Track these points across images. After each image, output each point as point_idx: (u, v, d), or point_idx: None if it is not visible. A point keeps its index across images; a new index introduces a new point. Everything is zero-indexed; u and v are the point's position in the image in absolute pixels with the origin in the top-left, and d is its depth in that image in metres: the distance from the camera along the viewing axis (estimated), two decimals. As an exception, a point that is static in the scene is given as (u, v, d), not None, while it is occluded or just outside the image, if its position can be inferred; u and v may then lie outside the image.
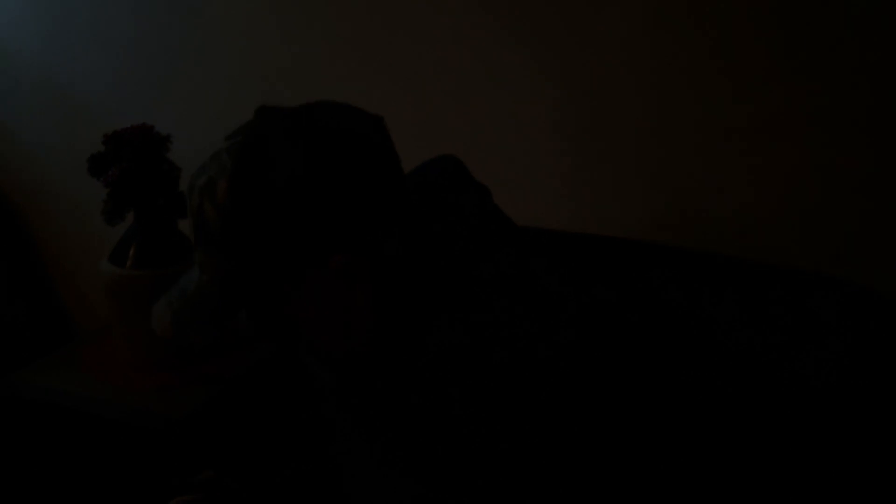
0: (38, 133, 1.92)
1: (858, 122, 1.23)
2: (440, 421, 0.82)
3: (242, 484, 1.05)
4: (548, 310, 0.81)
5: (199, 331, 0.95)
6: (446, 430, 0.81)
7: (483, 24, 1.41)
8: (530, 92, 1.42)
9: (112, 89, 1.78)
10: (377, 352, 0.88)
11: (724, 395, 0.92)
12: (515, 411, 0.78)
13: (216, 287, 0.85)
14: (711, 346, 0.96)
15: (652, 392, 0.84)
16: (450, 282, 0.83)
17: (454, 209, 0.88)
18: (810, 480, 0.90)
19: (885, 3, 1.17)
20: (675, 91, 1.32)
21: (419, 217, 0.86)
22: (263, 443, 1.36)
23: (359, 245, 0.82)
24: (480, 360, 0.79)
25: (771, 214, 1.31)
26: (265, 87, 1.61)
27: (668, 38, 1.30)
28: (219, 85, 1.67)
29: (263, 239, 0.81)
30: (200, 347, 1.47)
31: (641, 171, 1.38)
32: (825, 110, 1.24)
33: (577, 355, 0.79)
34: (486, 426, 0.79)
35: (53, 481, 1.49)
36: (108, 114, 1.75)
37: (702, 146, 1.33)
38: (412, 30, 1.47)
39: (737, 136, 1.30)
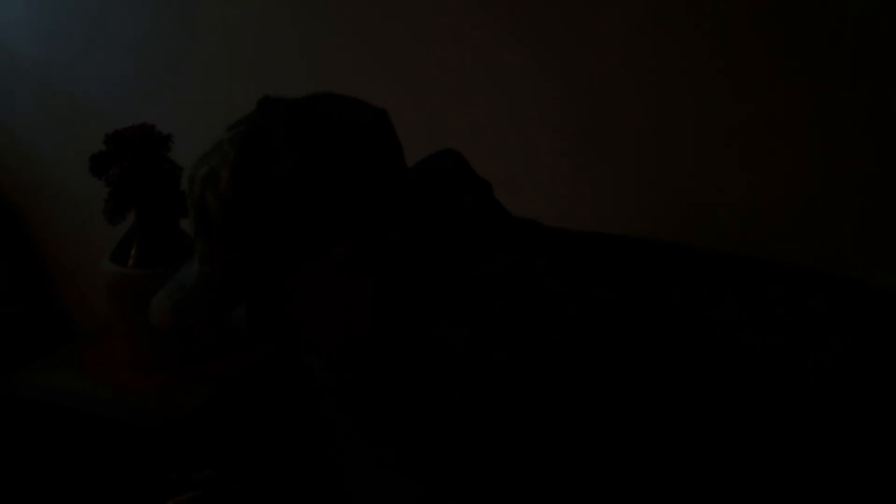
0: (38, 133, 1.92)
1: (858, 122, 1.23)
2: (440, 421, 0.82)
3: (242, 484, 1.05)
4: (548, 310, 0.81)
5: (198, 323, 0.94)
6: (446, 430, 0.81)
7: (483, 24, 1.41)
8: (530, 92, 1.42)
9: (113, 89, 1.78)
10: (377, 348, 0.88)
11: (724, 395, 0.92)
12: (515, 411, 0.78)
13: (217, 279, 0.84)
14: (711, 346, 0.96)
15: (652, 392, 0.84)
16: (450, 281, 0.83)
17: (455, 208, 0.88)
18: (810, 480, 0.90)
19: (885, 3, 1.17)
20: (675, 91, 1.32)
21: (421, 214, 0.86)
22: (263, 443, 1.36)
23: (361, 236, 0.82)
24: (480, 360, 0.79)
25: (771, 214, 1.31)
26: (266, 86, 1.60)
27: (668, 38, 1.30)
28: (219, 84, 1.67)
29: (265, 229, 0.80)
30: (199, 346, 1.47)
31: (641, 171, 1.38)
32: (825, 110, 1.24)
33: (576, 355, 0.79)
34: (486, 426, 0.79)
35: (53, 481, 1.49)
36: (109, 114, 1.75)
37: (702, 146, 1.33)
38: (412, 30, 1.47)
39: (737, 135, 1.30)
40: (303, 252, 0.81)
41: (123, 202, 1.37)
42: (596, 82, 1.37)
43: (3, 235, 2.00)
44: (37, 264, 2.05)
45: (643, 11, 1.30)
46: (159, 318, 0.88)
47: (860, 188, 1.25)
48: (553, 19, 1.36)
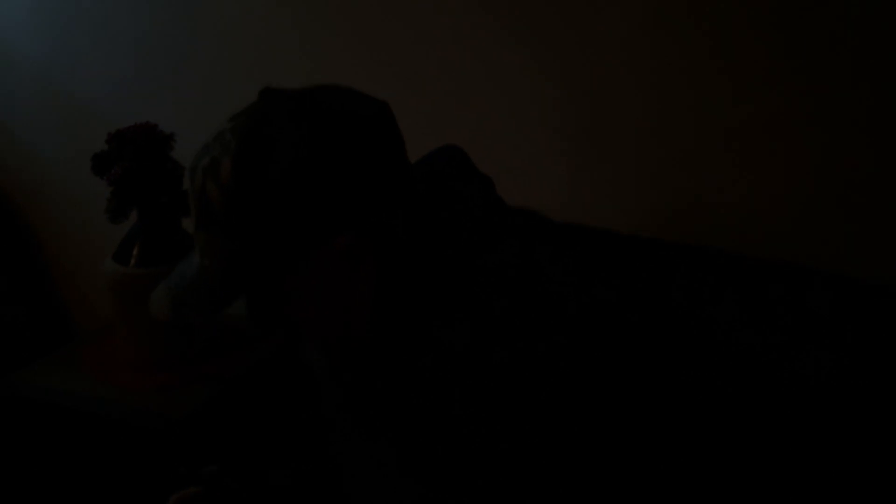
0: (39, 133, 1.92)
1: (858, 122, 1.23)
2: (440, 421, 0.82)
3: (242, 484, 1.05)
4: (548, 310, 0.81)
5: (198, 316, 0.94)
6: (446, 430, 0.81)
7: (483, 24, 1.41)
8: (530, 92, 1.42)
9: (114, 89, 1.78)
10: (377, 344, 0.88)
11: (724, 395, 0.92)
12: (515, 411, 0.78)
13: (218, 270, 0.84)
14: (711, 346, 0.96)
15: (652, 392, 0.84)
16: (453, 272, 0.83)
17: (459, 199, 0.88)
18: (810, 480, 0.90)
19: (886, 3, 1.17)
20: (675, 91, 1.32)
21: (426, 205, 0.86)
22: (263, 443, 1.36)
23: (363, 227, 0.82)
24: (480, 360, 0.79)
25: (771, 214, 1.31)
26: (268, 85, 1.61)
27: (668, 38, 1.30)
28: (221, 83, 1.67)
29: (267, 219, 0.80)
30: (199, 340, 1.47)
31: (641, 171, 1.38)
32: (825, 110, 1.24)
33: (576, 355, 0.79)
34: (486, 426, 0.79)
35: (53, 481, 1.49)
36: (110, 113, 1.75)
37: (702, 146, 1.33)
38: (412, 30, 1.47)
39: (737, 135, 1.30)
40: (304, 242, 0.81)
41: (125, 201, 1.37)
42: (596, 82, 1.37)
43: (4, 235, 2.00)
44: (37, 264, 2.05)
45: (643, 11, 1.30)
46: (159, 311, 0.88)
47: (860, 188, 1.25)
48: (553, 19, 1.36)
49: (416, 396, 0.85)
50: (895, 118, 1.21)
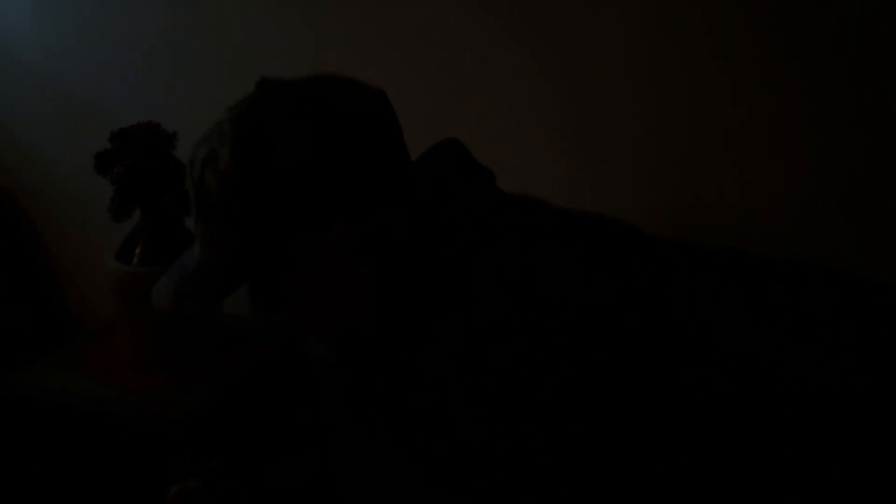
0: (40, 133, 1.92)
1: (858, 122, 1.23)
2: (440, 421, 0.82)
3: (242, 484, 1.05)
4: (548, 310, 0.81)
5: (199, 307, 0.95)
6: (446, 430, 0.81)
7: (483, 24, 1.41)
8: (530, 92, 1.42)
9: (116, 88, 1.78)
10: (379, 338, 0.88)
11: (724, 395, 0.92)
12: (515, 411, 0.78)
13: (217, 261, 0.84)
14: (711, 346, 0.96)
15: (652, 392, 0.84)
16: (453, 272, 0.83)
17: (459, 199, 0.88)
18: (810, 480, 0.90)
19: (886, 3, 1.17)
20: (675, 91, 1.32)
21: (424, 202, 0.86)
22: (263, 443, 1.36)
23: (362, 216, 0.82)
24: (480, 360, 0.79)
25: (771, 214, 1.31)
26: (264, 75, 1.61)
27: (668, 38, 1.30)
28: (224, 81, 1.67)
29: (265, 208, 0.80)
30: (199, 333, 1.47)
31: (641, 171, 1.38)
32: (825, 110, 1.24)
33: (576, 356, 0.79)
34: (486, 426, 0.79)
35: (54, 481, 1.49)
36: (112, 113, 1.75)
37: (702, 146, 1.33)
38: (413, 30, 1.47)
39: (737, 135, 1.30)
40: (303, 232, 0.81)
41: (128, 200, 1.37)
42: (596, 82, 1.37)
43: (5, 235, 2.00)
44: (38, 264, 2.05)
45: (643, 11, 1.30)
46: (160, 302, 0.88)
47: (860, 188, 1.25)
48: (553, 19, 1.36)
49: (417, 396, 0.85)
50: (895, 118, 1.21)
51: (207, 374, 1.43)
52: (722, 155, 1.32)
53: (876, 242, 1.26)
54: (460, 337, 0.80)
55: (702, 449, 0.88)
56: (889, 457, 0.89)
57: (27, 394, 1.44)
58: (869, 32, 1.19)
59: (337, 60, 1.55)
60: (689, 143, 1.33)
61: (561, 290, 0.83)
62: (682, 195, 1.36)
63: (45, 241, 2.02)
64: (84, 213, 1.88)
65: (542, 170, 1.45)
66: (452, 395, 0.80)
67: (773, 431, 0.91)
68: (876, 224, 1.25)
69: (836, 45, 1.21)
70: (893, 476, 0.88)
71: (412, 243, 0.84)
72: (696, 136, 1.33)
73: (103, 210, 1.38)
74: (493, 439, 0.78)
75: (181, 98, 1.71)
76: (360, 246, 0.82)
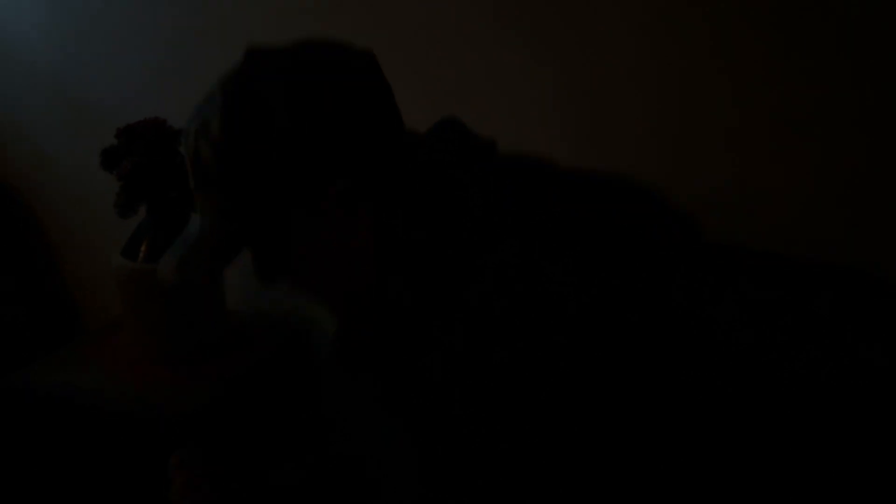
0: (46, 131, 1.92)
1: (858, 122, 1.23)
2: (440, 421, 0.82)
3: (243, 483, 1.05)
4: (548, 310, 0.81)
5: (203, 274, 0.96)
6: (446, 430, 0.81)
7: (483, 24, 1.41)
8: (530, 92, 1.42)
9: (123, 87, 1.78)
10: (378, 301, 0.88)
11: (724, 394, 0.92)
12: (515, 411, 0.78)
13: (217, 227, 0.86)
14: (711, 346, 0.96)
15: (652, 392, 0.84)
16: (454, 272, 0.83)
17: (460, 187, 0.88)
18: (810, 480, 0.90)
19: (886, 3, 1.17)
20: (675, 91, 1.32)
21: (429, 196, 0.86)
22: (264, 442, 1.36)
23: (356, 175, 0.83)
24: (480, 360, 0.79)
25: (771, 214, 1.31)
26: (252, 44, 1.61)
27: (668, 38, 1.30)
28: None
29: (260, 172, 0.81)
30: (203, 341, 1.47)
31: (641, 171, 1.38)
32: (825, 110, 1.24)
33: (576, 356, 0.79)
34: (486, 426, 0.79)
35: (58, 477, 1.49)
36: (118, 111, 1.75)
37: (702, 146, 1.33)
38: (412, 29, 1.47)
39: (737, 135, 1.30)
40: (298, 194, 0.82)
41: (135, 196, 1.37)
42: (596, 82, 1.37)
43: (11, 232, 2.01)
44: (43, 262, 2.05)
45: (643, 11, 1.30)
46: (165, 274, 0.89)
47: (860, 188, 1.25)
48: (553, 19, 1.36)
49: (417, 396, 0.85)
50: (895, 118, 1.21)
51: (208, 373, 1.43)
52: (722, 155, 1.32)
53: (876, 242, 1.26)
54: (460, 337, 0.81)
55: (702, 448, 0.88)
56: (889, 457, 0.89)
57: (32, 390, 1.44)
58: (869, 32, 1.19)
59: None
60: (689, 144, 1.33)
61: (561, 290, 0.83)
62: (681, 195, 1.36)
63: (50, 239, 2.02)
64: (90, 211, 1.88)
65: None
66: (452, 395, 0.80)
67: (773, 431, 0.91)
68: (876, 224, 1.25)
69: (835, 45, 1.21)
70: (893, 476, 0.88)
71: (406, 189, 0.85)
72: (696, 137, 1.33)
73: (109, 208, 1.38)
74: (493, 439, 0.78)
75: (188, 98, 1.71)
76: (355, 202, 0.83)
